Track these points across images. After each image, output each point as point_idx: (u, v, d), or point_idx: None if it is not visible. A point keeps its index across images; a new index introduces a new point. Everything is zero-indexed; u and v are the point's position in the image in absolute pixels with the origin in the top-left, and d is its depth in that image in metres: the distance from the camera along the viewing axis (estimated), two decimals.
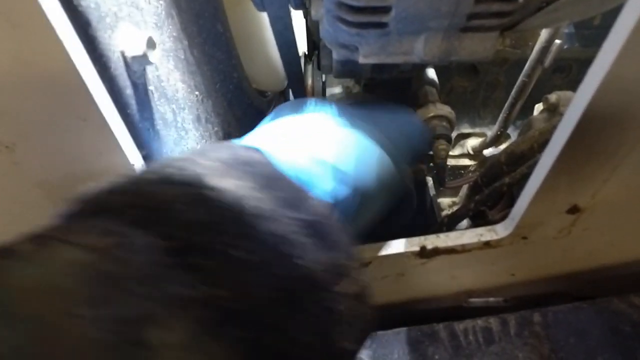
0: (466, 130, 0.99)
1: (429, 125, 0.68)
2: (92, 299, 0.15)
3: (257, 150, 0.29)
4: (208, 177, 0.21)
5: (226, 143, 0.29)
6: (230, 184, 0.21)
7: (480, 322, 0.43)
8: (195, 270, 0.17)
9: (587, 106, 0.29)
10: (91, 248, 0.17)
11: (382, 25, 0.41)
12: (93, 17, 0.29)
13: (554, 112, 0.67)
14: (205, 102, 0.56)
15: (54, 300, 0.15)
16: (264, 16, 0.72)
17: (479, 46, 0.43)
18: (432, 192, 0.91)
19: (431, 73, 0.75)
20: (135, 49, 0.33)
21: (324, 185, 0.32)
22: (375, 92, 0.76)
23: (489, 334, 0.42)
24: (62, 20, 0.26)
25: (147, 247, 0.17)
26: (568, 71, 0.87)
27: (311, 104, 0.46)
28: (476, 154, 0.96)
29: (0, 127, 0.31)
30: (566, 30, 0.76)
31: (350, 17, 0.40)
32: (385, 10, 0.39)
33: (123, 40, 0.33)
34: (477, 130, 0.98)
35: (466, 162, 0.99)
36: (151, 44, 0.34)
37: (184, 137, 0.47)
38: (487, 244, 0.44)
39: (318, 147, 0.34)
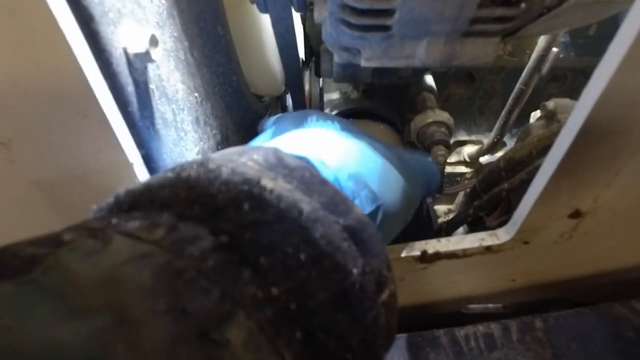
0: (462, 137, 1.00)
1: (427, 131, 0.68)
2: (169, 294, 0.15)
3: (295, 156, 0.28)
4: (262, 179, 0.20)
5: (265, 146, 0.29)
6: (282, 187, 0.21)
7: (481, 327, 0.43)
8: (259, 270, 0.17)
9: (590, 111, 0.29)
10: (153, 242, 0.17)
11: (385, 29, 0.41)
12: (96, 11, 0.28)
13: (552, 119, 0.67)
14: (204, 104, 0.56)
15: (130, 293, 0.14)
16: (264, 20, 0.72)
17: (481, 51, 0.43)
18: (428, 199, 0.91)
19: (429, 80, 0.76)
20: (137, 45, 0.32)
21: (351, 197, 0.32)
22: (374, 98, 0.76)
23: (490, 339, 0.41)
24: (64, 13, 0.26)
25: (211, 244, 0.17)
26: (563, 80, 0.88)
27: (312, 118, 0.46)
28: (472, 161, 0.96)
29: None
30: (562, 40, 0.77)
31: (353, 20, 0.40)
32: (389, 13, 0.39)
33: (126, 36, 0.32)
34: (473, 137, 0.99)
35: (462, 169, 0.99)
36: (154, 41, 0.34)
37: (183, 137, 0.46)
38: (488, 249, 0.44)
39: (341, 160, 0.34)
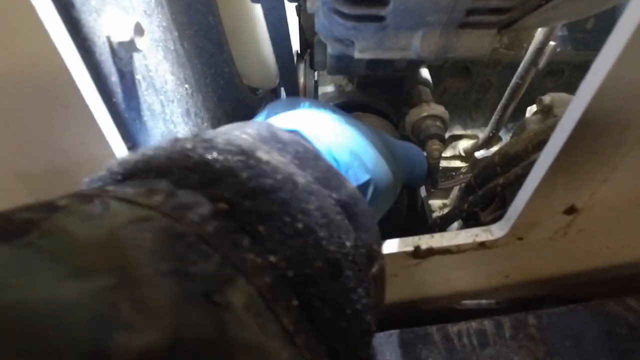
0: (458, 132, 0.99)
1: (422, 125, 0.68)
2: (171, 257, 0.15)
3: (288, 130, 0.29)
4: (256, 150, 0.21)
5: (261, 121, 0.29)
6: (276, 160, 0.21)
7: (474, 324, 0.42)
8: (257, 237, 0.18)
9: (587, 106, 0.29)
10: (152, 207, 0.16)
11: (379, 19, 0.40)
12: None
13: (548, 113, 0.67)
14: (195, 96, 0.55)
15: (132, 255, 0.14)
16: (257, 11, 0.70)
17: (477, 43, 0.42)
18: (423, 193, 0.91)
19: (425, 73, 0.75)
20: (122, 34, 0.31)
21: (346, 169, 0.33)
22: (368, 91, 0.75)
23: (483, 336, 0.41)
24: (43, 0, 0.25)
25: (210, 211, 0.17)
26: (560, 74, 0.88)
27: (305, 104, 0.45)
28: (468, 155, 0.96)
29: None
30: (560, 33, 0.76)
31: (347, 10, 0.39)
32: (383, 3, 0.38)
33: (109, 24, 0.31)
34: (468, 132, 0.98)
35: (457, 163, 0.99)
36: (139, 29, 0.32)
37: (172, 130, 0.45)
38: (482, 245, 0.43)
39: (334, 135, 0.35)
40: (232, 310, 0.15)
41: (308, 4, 0.44)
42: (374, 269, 0.23)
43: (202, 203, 0.18)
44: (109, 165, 0.21)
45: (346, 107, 0.74)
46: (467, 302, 0.54)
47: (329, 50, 0.51)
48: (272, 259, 0.18)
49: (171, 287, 0.14)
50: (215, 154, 0.20)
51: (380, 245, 0.24)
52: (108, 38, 0.31)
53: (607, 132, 0.31)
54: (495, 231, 0.43)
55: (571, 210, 0.38)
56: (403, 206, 0.74)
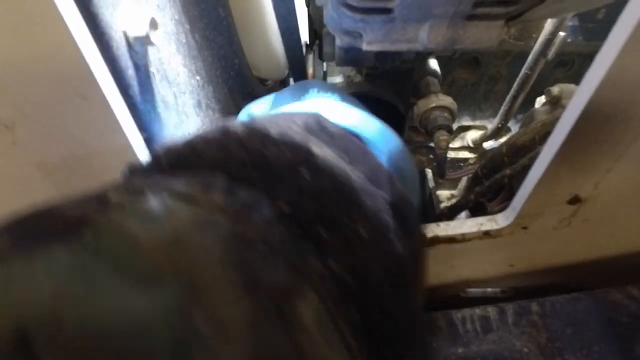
0: (466, 122, 0.99)
1: (430, 116, 0.68)
2: (241, 266, 0.14)
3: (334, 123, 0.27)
4: (309, 145, 0.19)
5: (308, 112, 0.27)
6: (329, 155, 0.20)
7: (478, 311, 0.43)
8: (320, 243, 0.17)
9: (591, 97, 0.29)
10: (213, 206, 0.15)
11: (387, 11, 0.40)
12: None
13: (556, 104, 0.66)
14: (206, 88, 0.56)
15: (199, 261, 0.13)
16: (266, 3, 0.71)
17: (484, 35, 0.43)
18: (431, 184, 0.91)
19: (433, 64, 0.75)
20: (137, 28, 0.32)
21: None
22: (377, 82, 0.75)
23: (486, 322, 0.42)
24: None
25: (273, 213, 0.16)
26: (570, 65, 0.87)
27: (313, 90, 0.46)
28: (476, 146, 0.96)
29: (0, 106, 0.31)
30: (570, 23, 0.76)
31: (355, 2, 0.40)
32: None
33: (125, 19, 0.32)
34: (477, 123, 0.98)
35: (466, 154, 0.99)
36: (153, 24, 0.33)
37: (185, 121, 0.46)
38: (487, 234, 0.44)
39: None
40: (304, 326, 0.14)
41: None
42: (425, 279, 0.21)
43: (264, 203, 0.16)
44: (154, 151, 0.20)
45: (355, 98, 0.74)
46: (473, 290, 0.55)
47: (337, 42, 0.51)
48: (335, 267, 0.16)
49: (244, 301, 0.13)
50: (270, 147, 0.18)
51: (422, 247, 0.23)
52: (124, 33, 0.32)
53: (610, 123, 0.31)
54: (500, 220, 0.44)
55: (575, 200, 0.39)
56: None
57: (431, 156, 0.95)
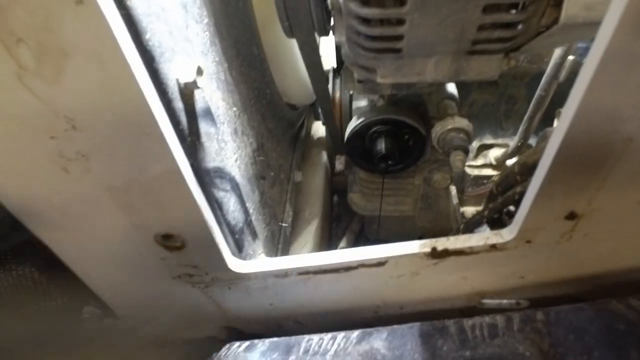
0: (489, 141, 1.02)
1: (447, 137, 0.72)
2: None
3: None
4: None
5: None
6: None
7: (487, 318, 0.47)
8: None
9: (569, 126, 0.34)
10: None
11: (396, 51, 0.46)
12: (156, 53, 0.36)
13: None
14: (242, 117, 0.63)
15: None
16: (294, 40, 0.79)
17: (486, 67, 0.48)
18: (455, 200, 0.95)
19: (451, 87, 0.80)
20: (187, 76, 0.40)
21: None
22: (398, 106, 0.81)
23: (494, 329, 0.45)
24: (134, 58, 0.34)
25: None
26: None
27: None
28: (499, 164, 0.98)
29: (80, 140, 0.39)
30: (583, 45, 0.78)
31: (367, 44, 0.46)
32: (398, 37, 0.45)
33: (178, 69, 0.40)
34: (499, 141, 1.01)
35: (489, 172, 1.02)
36: (200, 71, 0.41)
37: (224, 148, 0.54)
38: (493, 247, 0.48)
39: None
40: None
41: (335, 38, 0.51)
42: None
43: None
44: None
45: (378, 122, 0.80)
46: (489, 302, 0.59)
47: (355, 75, 0.58)
48: None
49: None
50: None
51: None
52: (177, 80, 0.40)
53: (591, 147, 0.35)
54: (505, 235, 0.47)
55: (572, 216, 0.43)
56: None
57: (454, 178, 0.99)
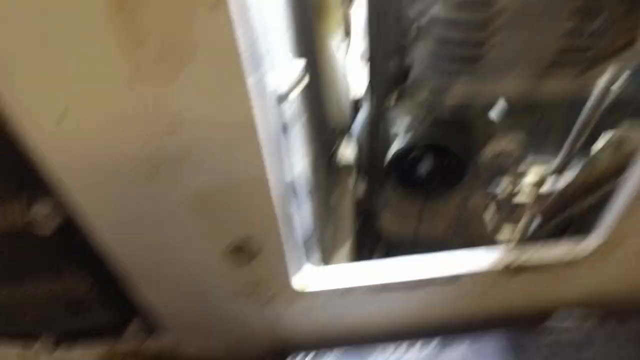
0: (530, 163, 1.02)
1: (495, 162, 0.73)
2: None
3: None
4: None
5: None
6: None
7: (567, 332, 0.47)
8: None
9: None
10: None
11: (476, 59, 0.48)
12: (264, 61, 0.38)
13: (618, 147, 0.70)
14: (306, 131, 0.65)
15: None
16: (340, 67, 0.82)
17: (559, 88, 0.49)
18: (490, 226, 0.94)
19: (497, 111, 0.81)
20: (284, 86, 0.41)
21: None
22: (443, 129, 0.81)
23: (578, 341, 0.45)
24: (248, 65, 0.35)
25: None
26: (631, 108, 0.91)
27: None
28: (539, 186, 0.98)
29: (176, 144, 0.39)
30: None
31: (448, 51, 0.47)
32: (480, 44, 0.46)
33: (276, 79, 0.41)
34: (539, 164, 1.02)
35: (524, 198, 1.02)
36: (297, 82, 0.43)
37: (295, 161, 0.55)
38: (570, 261, 0.48)
39: None
40: None
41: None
42: None
43: None
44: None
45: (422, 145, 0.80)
46: (564, 314, 0.57)
47: (421, 98, 0.59)
48: None
49: None
50: None
51: None
52: (274, 90, 0.41)
53: None
54: (583, 247, 0.48)
55: None
56: None
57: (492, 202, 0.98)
